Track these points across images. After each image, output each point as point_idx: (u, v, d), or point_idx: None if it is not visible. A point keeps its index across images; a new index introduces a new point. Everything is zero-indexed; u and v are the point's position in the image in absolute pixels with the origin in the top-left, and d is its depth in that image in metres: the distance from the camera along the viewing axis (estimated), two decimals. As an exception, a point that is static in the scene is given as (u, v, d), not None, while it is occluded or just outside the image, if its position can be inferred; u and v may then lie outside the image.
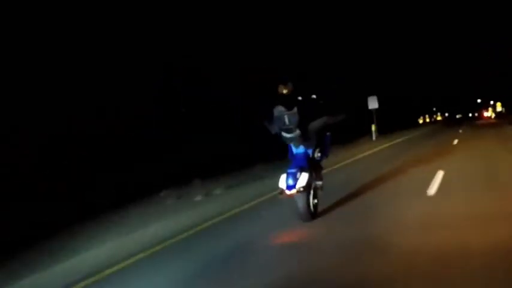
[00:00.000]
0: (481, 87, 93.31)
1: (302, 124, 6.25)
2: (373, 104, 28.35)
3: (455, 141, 18.94)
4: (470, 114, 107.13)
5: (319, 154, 6.65)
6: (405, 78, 62.85)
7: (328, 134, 6.92)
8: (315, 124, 6.43)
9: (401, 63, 60.19)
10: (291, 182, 6.05)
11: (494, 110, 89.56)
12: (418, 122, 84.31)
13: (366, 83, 43.63)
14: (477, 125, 43.31)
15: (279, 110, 6.29)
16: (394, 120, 45.29)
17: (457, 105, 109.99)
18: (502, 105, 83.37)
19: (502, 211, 5.46)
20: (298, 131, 6.26)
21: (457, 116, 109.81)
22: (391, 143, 23.16)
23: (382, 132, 29.92)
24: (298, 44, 32.30)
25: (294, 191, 6.04)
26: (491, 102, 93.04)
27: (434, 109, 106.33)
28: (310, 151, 6.52)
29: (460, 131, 28.67)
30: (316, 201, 6.45)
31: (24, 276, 5.42)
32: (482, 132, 27.01)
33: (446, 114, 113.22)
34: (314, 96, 6.89)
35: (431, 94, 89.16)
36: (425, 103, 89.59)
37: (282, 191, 6.16)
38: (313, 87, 7.44)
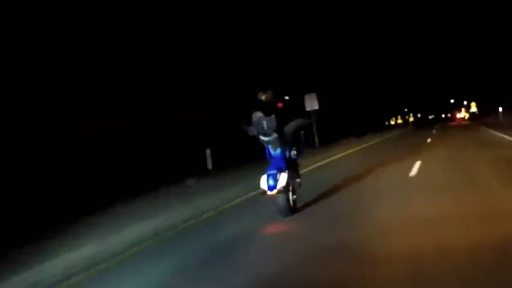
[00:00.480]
0: (454, 86, 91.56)
1: (279, 128, 6.94)
2: (311, 104, 21.90)
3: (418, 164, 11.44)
4: (443, 115, 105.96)
5: (295, 153, 7.34)
6: (375, 77, 63.59)
7: (301, 133, 7.66)
8: (290, 127, 7.11)
9: (371, 61, 60.99)
10: (271, 182, 6.70)
11: (468, 111, 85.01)
12: (387, 124, 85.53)
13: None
14: (449, 127, 41.37)
15: (257, 115, 6.97)
16: (360, 123, 44.89)
17: (430, 105, 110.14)
18: (477, 106, 77.73)
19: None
20: (275, 135, 6.94)
21: (430, 117, 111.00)
22: (317, 164, 15.53)
23: (327, 140, 25.19)
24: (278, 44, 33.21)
25: (275, 191, 6.68)
26: (465, 103, 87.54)
27: (406, 110, 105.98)
28: (287, 152, 7.23)
29: (429, 140, 22.64)
30: (295, 197, 7.12)
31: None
32: (455, 138, 23.42)
33: (419, 115, 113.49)
34: (287, 97, 7.60)
35: (403, 93, 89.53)
36: (398, 103, 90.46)
37: (264, 192, 6.81)
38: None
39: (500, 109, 35.88)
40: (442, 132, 31.11)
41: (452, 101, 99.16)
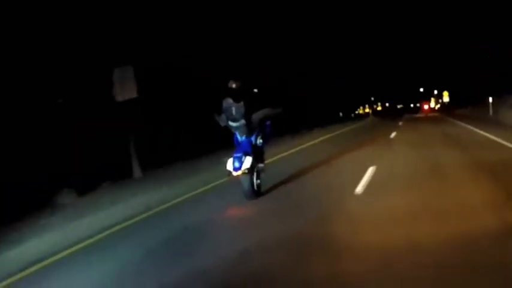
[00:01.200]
0: (425, 74, 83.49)
1: (246, 115, 7.49)
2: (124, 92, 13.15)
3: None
4: (412, 105, 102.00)
5: (261, 141, 7.93)
6: (344, 64, 63.14)
7: (268, 123, 8.18)
8: (257, 115, 7.71)
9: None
10: (237, 164, 7.28)
11: (438, 101, 78.51)
12: (355, 114, 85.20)
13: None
14: (413, 119, 38.24)
15: (228, 102, 7.54)
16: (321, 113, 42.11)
17: (399, 94, 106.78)
18: (449, 95, 69.31)
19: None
20: (243, 121, 7.50)
21: (398, 107, 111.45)
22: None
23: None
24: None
25: (239, 172, 7.28)
26: (435, 92, 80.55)
27: (372, 98, 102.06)
28: (253, 138, 7.76)
29: (392, 135, 19.48)
30: (259, 181, 7.72)
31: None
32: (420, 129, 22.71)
33: (387, 105, 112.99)
34: (256, 90, 8.10)
35: (371, 81, 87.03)
36: (365, 91, 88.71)
37: (230, 173, 7.38)
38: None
39: (491, 99, 26.82)
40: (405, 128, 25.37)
41: (421, 89, 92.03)
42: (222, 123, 7.78)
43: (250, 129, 7.66)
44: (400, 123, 31.49)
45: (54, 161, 14.39)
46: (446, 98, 69.89)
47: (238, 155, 7.36)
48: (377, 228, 5.07)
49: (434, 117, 39.53)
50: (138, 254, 5.32)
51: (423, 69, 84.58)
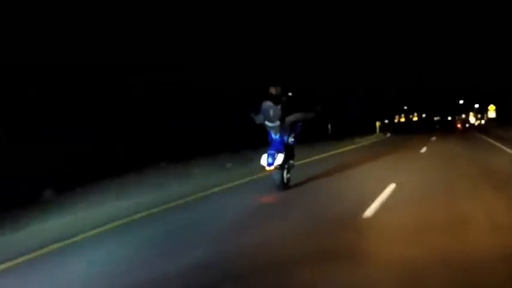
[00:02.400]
0: (467, 86, 76.18)
1: (282, 117, 8.94)
2: None
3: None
4: (449, 118, 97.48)
5: (292, 140, 9.35)
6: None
7: (299, 124, 9.58)
8: (290, 118, 9.16)
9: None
10: (270, 160, 8.71)
11: (481, 116, 69.01)
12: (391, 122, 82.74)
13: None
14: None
15: (267, 104, 9.04)
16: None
17: (437, 105, 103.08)
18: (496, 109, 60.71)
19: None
20: (278, 122, 8.97)
21: (435, 119, 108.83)
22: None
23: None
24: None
25: (272, 167, 8.70)
26: (477, 106, 72.11)
27: (405, 107, 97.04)
28: (285, 137, 9.18)
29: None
30: (289, 175, 9.15)
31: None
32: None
33: (424, 115, 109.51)
34: (290, 93, 9.55)
35: (407, 89, 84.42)
36: (400, 100, 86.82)
37: (263, 167, 8.82)
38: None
39: None
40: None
41: (461, 102, 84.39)
42: (258, 121, 9.23)
43: (283, 129, 9.09)
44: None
45: None
46: (492, 113, 62.30)
47: (272, 152, 8.78)
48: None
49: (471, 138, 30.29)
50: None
51: (465, 80, 79.68)
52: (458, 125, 61.18)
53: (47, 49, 24.24)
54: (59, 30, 24.90)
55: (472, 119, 72.42)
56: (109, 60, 26.52)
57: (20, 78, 21.27)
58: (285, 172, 8.98)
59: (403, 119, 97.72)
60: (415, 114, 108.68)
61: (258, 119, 9.22)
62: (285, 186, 8.99)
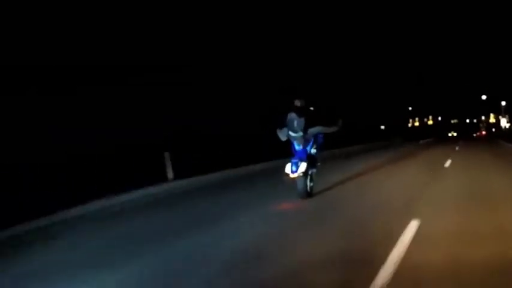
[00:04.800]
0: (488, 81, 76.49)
1: (305, 129, 10.00)
2: None
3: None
4: (467, 121, 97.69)
5: (314, 150, 10.40)
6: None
7: (321, 136, 10.62)
8: (313, 130, 10.22)
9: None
10: (294, 168, 9.77)
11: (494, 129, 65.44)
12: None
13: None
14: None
15: (292, 115, 10.08)
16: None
17: (454, 106, 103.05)
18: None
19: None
20: (301, 133, 10.01)
21: (452, 122, 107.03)
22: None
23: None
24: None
25: (295, 175, 9.76)
26: (503, 103, 65.20)
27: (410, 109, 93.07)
28: (308, 148, 10.22)
29: None
30: (312, 184, 10.21)
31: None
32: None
33: (440, 118, 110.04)
34: (312, 108, 10.61)
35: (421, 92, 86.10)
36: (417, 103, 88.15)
37: (287, 175, 9.86)
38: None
39: None
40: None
41: (484, 97, 73.93)
42: (283, 138, 10.27)
43: (306, 140, 10.14)
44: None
45: None
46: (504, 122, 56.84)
47: (295, 160, 9.84)
48: None
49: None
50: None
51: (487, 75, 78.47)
52: (483, 132, 56.58)
53: (47, 49, 25.28)
54: (59, 30, 25.98)
55: (504, 122, 62.18)
56: (109, 60, 27.61)
57: (19, 78, 22.44)
58: (308, 180, 10.02)
59: (417, 123, 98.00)
60: (430, 117, 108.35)
61: (283, 135, 10.25)
62: (308, 194, 10.03)
